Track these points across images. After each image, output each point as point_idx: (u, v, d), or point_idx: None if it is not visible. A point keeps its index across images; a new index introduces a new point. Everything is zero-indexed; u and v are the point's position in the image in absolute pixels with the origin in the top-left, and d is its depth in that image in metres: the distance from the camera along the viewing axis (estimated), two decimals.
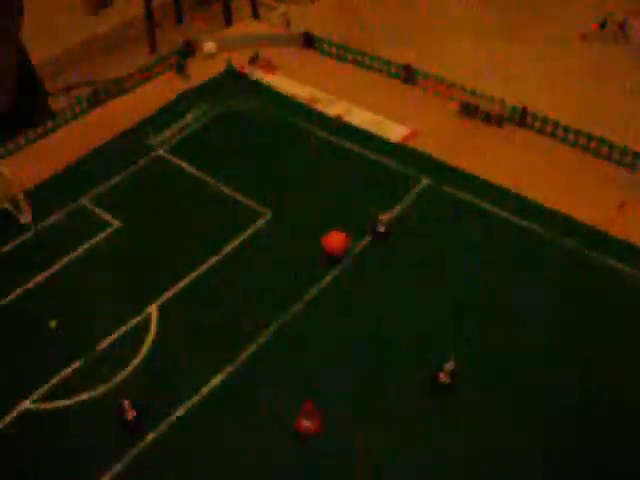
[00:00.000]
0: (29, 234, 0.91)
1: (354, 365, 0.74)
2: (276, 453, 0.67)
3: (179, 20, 2.99)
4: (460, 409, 0.70)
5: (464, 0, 1.34)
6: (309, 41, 1.21)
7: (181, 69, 1.17)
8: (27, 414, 0.72)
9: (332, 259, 0.84)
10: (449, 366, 0.71)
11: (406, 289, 0.81)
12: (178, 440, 0.69)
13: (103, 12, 2.75)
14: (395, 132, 1.01)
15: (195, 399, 0.72)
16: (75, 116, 1.11)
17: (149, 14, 2.77)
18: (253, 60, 1.17)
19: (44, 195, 0.96)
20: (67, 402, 0.73)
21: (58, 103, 1.48)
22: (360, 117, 1.05)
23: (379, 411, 0.70)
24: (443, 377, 0.72)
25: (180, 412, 0.71)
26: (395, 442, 0.68)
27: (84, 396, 0.73)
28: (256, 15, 2.59)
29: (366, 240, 0.86)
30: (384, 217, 0.86)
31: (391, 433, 0.68)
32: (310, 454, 0.67)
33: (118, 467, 0.67)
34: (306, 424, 0.69)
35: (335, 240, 0.84)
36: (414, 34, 1.25)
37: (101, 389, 0.73)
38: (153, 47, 2.80)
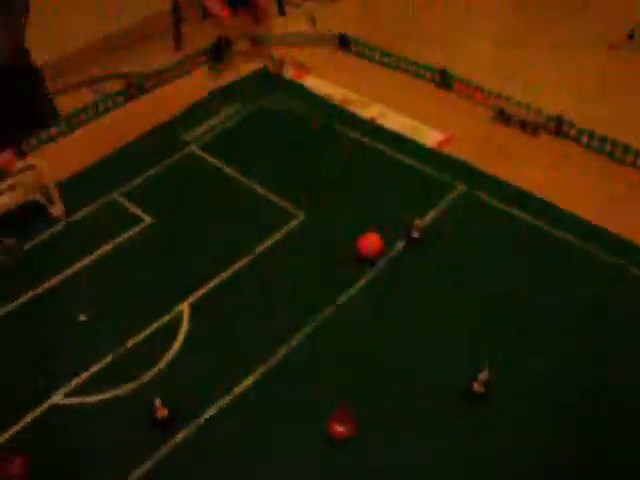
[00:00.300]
0: (60, 227, 0.90)
1: (386, 370, 0.73)
2: (308, 456, 0.67)
3: (205, 15, 2.98)
4: (494, 417, 0.69)
5: (493, 2, 1.33)
6: (344, 42, 1.20)
7: (214, 66, 1.17)
8: (56, 408, 0.71)
9: (366, 261, 0.83)
10: (483, 376, 0.70)
11: (439, 294, 0.80)
12: (209, 440, 0.68)
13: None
14: (430, 137, 1.00)
15: (227, 399, 0.71)
16: (107, 109, 1.10)
17: (175, 9, 2.76)
18: (278, 62, 1.16)
19: (76, 188, 0.96)
20: (97, 398, 0.72)
21: (82, 97, 1.47)
22: (395, 121, 1.04)
23: (411, 417, 0.70)
24: (477, 387, 0.71)
25: (211, 412, 0.70)
26: (427, 450, 0.67)
27: (114, 392, 0.72)
28: (282, 12, 2.58)
29: (400, 245, 0.85)
30: (419, 223, 0.85)
31: (423, 440, 0.67)
32: (342, 458, 0.66)
33: (148, 464, 0.66)
34: (339, 428, 0.68)
35: (371, 242, 0.83)
36: (441, 35, 1.23)
37: (131, 386, 0.73)
38: (178, 42, 2.79)
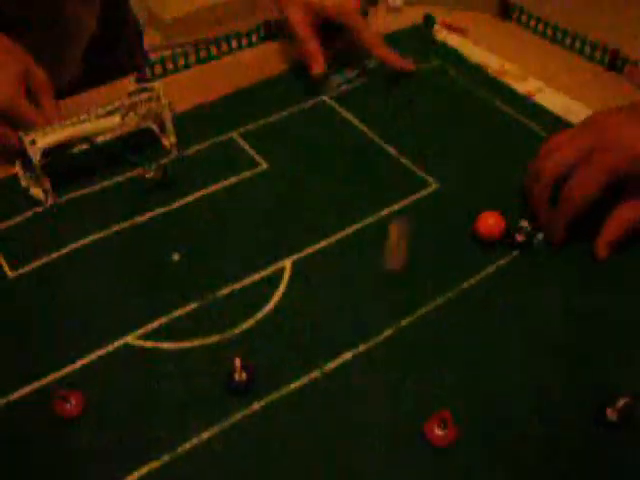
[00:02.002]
0: (172, 158, 0.83)
1: (485, 382, 0.62)
2: (393, 453, 0.57)
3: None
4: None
5: None
6: (506, 9, 1.08)
7: (363, 16, 1.07)
8: (128, 348, 0.65)
9: (485, 242, 0.72)
10: (622, 401, 0.58)
11: (551, 303, 0.68)
12: (287, 414, 0.60)
13: None
14: None
15: (315, 373, 0.62)
16: (240, 47, 1.03)
17: None
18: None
19: (193, 122, 0.89)
20: (172, 345, 0.65)
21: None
22: (552, 99, 0.92)
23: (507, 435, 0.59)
24: (611, 413, 0.59)
25: (295, 385, 0.62)
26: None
27: (192, 342, 0.65)
28: None
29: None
30: (524, 224, 0.73)
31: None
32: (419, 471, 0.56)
33: (216, 429, 0.59)
34: (439, 432, 0.58)
35: (490, 223, 0.72)
36: (615, 11, 1.09)
37: (211, 339, 0.65)
38: None
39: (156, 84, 0.82)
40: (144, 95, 0.82)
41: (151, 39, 2.69)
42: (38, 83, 0.82)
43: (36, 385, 0.62)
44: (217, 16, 2.83)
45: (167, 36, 2.81)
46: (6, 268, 0.72)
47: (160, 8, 2.84)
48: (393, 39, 1.03)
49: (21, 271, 0.72)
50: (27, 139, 0.76)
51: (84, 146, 0.81)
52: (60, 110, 0.83)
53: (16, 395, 0.61)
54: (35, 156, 0.76)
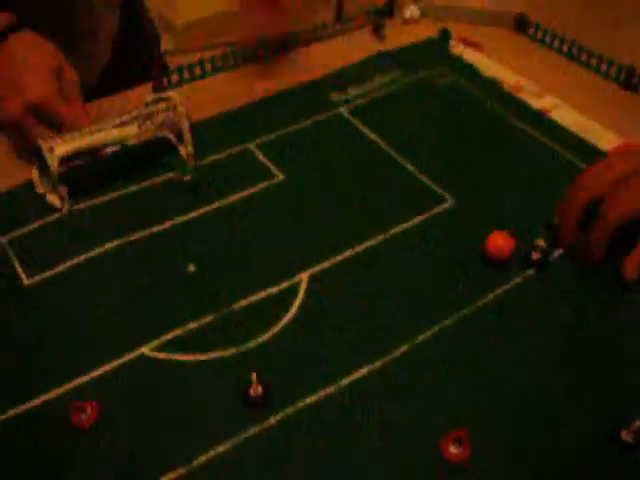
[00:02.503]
0: (190, 167, 0.83)
1: (500, 400, 0.62)
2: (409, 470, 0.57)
3: None
4: None
5: None
6: (522, 24, 1.09)
7: (378, 29, 1.08)
8: (143, 360, 0.65)
9: (495, 263, 0.72)
10: (638, 423, 0.58)
11: (567, 323, 0.68)
12: (303, 429, 0.60)
13: None
14: (606, 141, 0.87)
15: (331, 388, 0.62)
16: (257, 57, 1.03)
17: None
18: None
19: (209, 132, 0.89)
20: (187, 357, 0.65)
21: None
22: (568, 116, 0.92)
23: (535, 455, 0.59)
24: (626, 435, 0.59)
25: (311, 399, 0.62)
26: None
27: (207, 355, 0.65)
28: None
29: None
30: (540, 242, 0.73)
31: None
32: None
33: (231, 442, 0.59)
34: (454, 450, 0.58)
35: (500, 243, 0.72)
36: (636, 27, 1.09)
37: (226, 353, 0.65)
38: (340, 11, 2.71)
39: (173, 94, 0.83)
40: (162, 104, 0.82)
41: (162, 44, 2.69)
42: (68, 82, 0.83)
43: (51, 395, 0.62)
44: (228, 23, 2.83)
45: (178, 41, 2.82)
46: (22, 276, 0.72)
47: (171, 13, 2.85)
48: (408, 52, 1.03)
49: (37, 279, 0.72)
50: (45, 146, 0.76)
51: (102, 152, 0.81)
52: (88, 112, 0.83)
53: (31, 404, 0.61)
54: (53, 164, 0.77)
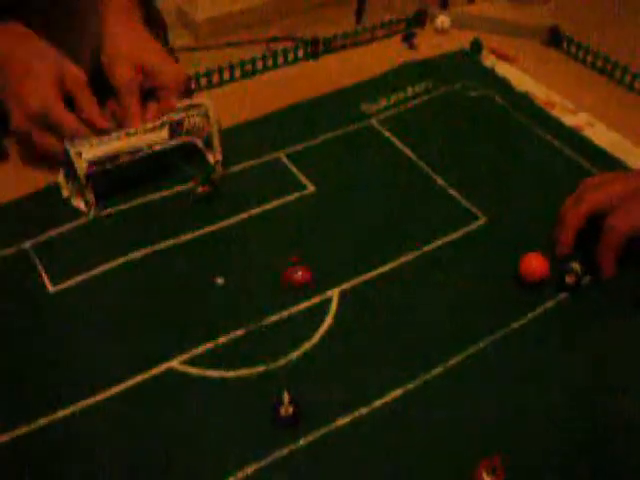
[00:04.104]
0: (215, 176, 0.82)
1: (533, 424, 0.61)
2: None
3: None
4: None
5: None
6: (555, 37, 1.07)
7: (409, 38, 1.06)
8: (171, 373, 0.64)
9: (528, 285, 0.71)
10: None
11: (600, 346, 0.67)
12: (334, 451, 0.58)
13: None
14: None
15: (363, 410, 0.61)
16: (287, 63, 1.02)
17: None
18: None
19: (237, 139, 0.88)
20: (217, 372, 0.64)
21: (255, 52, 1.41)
22: (602, 135, 0.91)
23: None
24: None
25: (343, 421, 0.60)
26: None
27: (236, 372, 0.64)
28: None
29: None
30: (575, 265, 0.71)
31: None
32: None
33: (259, 464, 0.57)
34: (488, 479, 0.57)
35: (533, 265, 0.71)
36: None
37: (258, 369, 0.64)
38: (360, 13, 2.69)
39: (206, 100, 0.81)
40: (193, 111, 0.81)
41: (180, 39, 2.68)
42: (72, 84, 0.80)
43: (77, 407, 0.61)
44: (247, 20, 2.83)
45: (196, 36, 2.81)
46: (47, 283, 0.71)
47: (192, 8, 2.84)
48: (440, 63, 1.02)
49: (62, 286, 0.71)
50: (73, 151, 0.75)
51: (128, 158, 0.79)
52: (100, 111, 0.81)
53: (59, 414, 0.60)
54: (80, 168, 0.76)
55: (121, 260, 0.73)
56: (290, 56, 1.02)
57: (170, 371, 0.63)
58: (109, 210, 0.78)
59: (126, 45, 0.83)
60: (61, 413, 0.60)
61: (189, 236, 0.76)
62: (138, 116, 0.81)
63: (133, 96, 0.82)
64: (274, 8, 2.86)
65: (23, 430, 0.59)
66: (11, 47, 0.82)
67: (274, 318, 0.68)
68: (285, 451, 0.58)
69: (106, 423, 0.60)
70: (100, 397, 0.61)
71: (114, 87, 0.82)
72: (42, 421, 0.59)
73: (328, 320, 0.68)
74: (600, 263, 0.71)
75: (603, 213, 0.70)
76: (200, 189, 0.79)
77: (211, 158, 0.84)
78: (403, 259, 0.74)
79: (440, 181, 0.83)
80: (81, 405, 0.61)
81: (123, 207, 0.79)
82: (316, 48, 1.02)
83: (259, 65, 1.00)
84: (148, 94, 0.84)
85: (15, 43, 0.82)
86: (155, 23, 1.17)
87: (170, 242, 0.75)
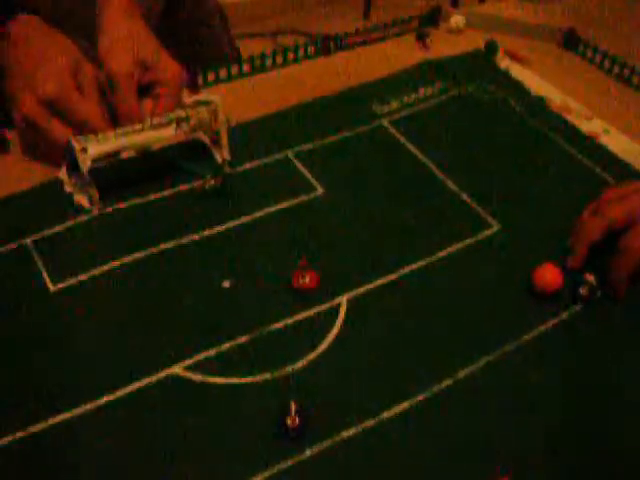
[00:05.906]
0: (223, 173, 0.80)
1: (547, 438, 0.59)
2: None
3: None
4: None
5: None
6: (571, 40, 1.05)
7: (422, 37, 1.04)
8: (174, 379, 0.62)
9: (541, 296, 0.69)
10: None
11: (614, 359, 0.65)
12: (340, 464, 0.56)
13: None
14: None
15: (371, 422, 0.59)
16: (295, 60, 0.99)
17: None
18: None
19: (245, 137, 0.86)
20: (220, 379, 0.62)
21: (262, 46, 1.40)
22: (618, 143, 0.88)
23: None
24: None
25: (349, 433, 0.58)
26: None
27: (241, 379, 0.62)
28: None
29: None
30: (590, 277, 0.69)
31: None
32: None
33: (263, 475, 0.55)
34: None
35: (548, 277, 0.69)
36: None
37: (264, 376, 0.62)
38: (368, 9, 2.67)
39: (215, 97, 0.79)
40: (202, 108, 0.78)
41: None
42: (84, 78, 0.79)
43: (77, 411, 0.59)
44: (253, 12, 2.80)
45: None
46: (48, 281, 0.69)
47: None
48: (453, 63, 1.00)
49: (63, 285, 0.69)
50: (78, 146, 0.73)
51: (132, 153, 0.77)
52: (105, 113, 0.79)
53: (58, 419, 0.58)
54: (85, 164, 0.73)
55: (124, 260, 0.71)
56: (300, 52, 0.99)
57: (172, 377, 0.61)
58: (113, 207, 0.76)
59: (125, 38, 0.81)
60: (60, 417, 0.58)
61: (195, 236, 0.74)
62: (136, 109, 0.79)
63: (130, 89, 0.79)
64: (282, 1, 2.84)
65: (22, 434, 0.57)
66: (29, 35, 0.80)
67: (281, 324, 0.66)
68: (290, 462, 0.56)
69: (106, 429, 0.58)
70: (100, 402, 0.59)
71: (110, 78, 0.79)
72: (41, 425, 0.57)
73: (336, 329, 0.66)
74: (612, 282, 0.69)
75: (621, 228, 0.68)
76: (212, 182, 0.76)
77: (219, 157, 0.82)
78: (414, 265, 0.72)
79: (452, 185, 0.81)
80: (81, 410, 0.59)
81: (127, 205, 0.77)
82: (327, 45, 1.00)
83: (268, 61, 0.97)
84: (143, 90, 0.81)
85: (33, 32, 0.81)
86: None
87: (175, 242, 0.73)
